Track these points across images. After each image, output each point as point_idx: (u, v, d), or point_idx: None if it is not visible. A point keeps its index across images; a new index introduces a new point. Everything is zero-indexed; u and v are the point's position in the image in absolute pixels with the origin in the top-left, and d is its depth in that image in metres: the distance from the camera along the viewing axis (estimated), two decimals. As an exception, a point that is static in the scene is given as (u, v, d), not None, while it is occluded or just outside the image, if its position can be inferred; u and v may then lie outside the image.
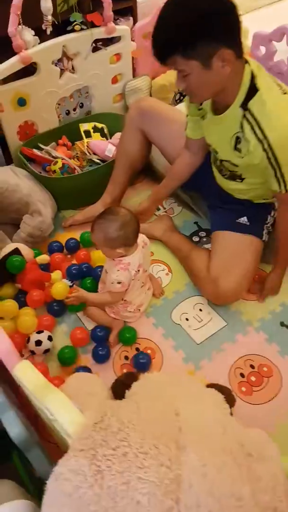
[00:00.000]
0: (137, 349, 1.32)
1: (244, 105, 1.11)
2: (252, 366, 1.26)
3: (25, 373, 0.72)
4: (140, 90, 2.00)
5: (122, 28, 1.79)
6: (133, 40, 1.86)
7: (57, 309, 1.39)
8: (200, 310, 1.41)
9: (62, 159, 1.71)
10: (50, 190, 1.66)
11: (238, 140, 1.17)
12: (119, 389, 0.84)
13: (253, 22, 1.88)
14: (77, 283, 1.43)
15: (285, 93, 1.09)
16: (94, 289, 1.41)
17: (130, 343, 1.32)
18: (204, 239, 1.62)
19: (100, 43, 1.77)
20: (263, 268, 1.47)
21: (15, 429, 0.80)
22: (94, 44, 1.74)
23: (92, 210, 1.67)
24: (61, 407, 0.64)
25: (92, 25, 1.70)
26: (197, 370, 1.26)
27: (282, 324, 1.37)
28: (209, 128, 1.29)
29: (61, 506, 0.57)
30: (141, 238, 1.30)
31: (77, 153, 1.83)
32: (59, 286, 1.34)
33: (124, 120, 1.77)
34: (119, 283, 1.22)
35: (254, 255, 1.36)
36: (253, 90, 1.09)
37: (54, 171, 1.69)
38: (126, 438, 0.59)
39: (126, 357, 1.30)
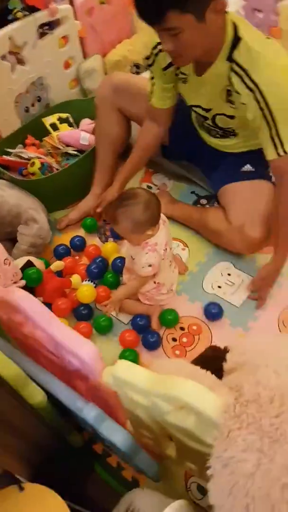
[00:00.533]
0: (181, 328, 1.27)
1: (230, 58, 1.05)
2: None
3: (131, 371, 0.64)
4: (94, 71, 1.89)
5: (65, 7, 1.67)
6: (76, 20, 1.75)
7: (85, 313, 1.31)
8: (229, 274, 1.37)
9: (38, 158, 1.59)
10: (35, 194, 1.54)
11: (229, 92, 1.11)
12: (212, 365, 0.79)
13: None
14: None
15: (268, 37, 1.04)
16: (116, 282, 1.35)
17: (174, 324, 1.27)
18: (207, 206, 1.58)
19: (47, 27, 1.64)
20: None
21: (119, 436, 0.73)
22: (40, 30, 1.61)
23: (84, 205, 1.59)
24: (194, 394, 0.57)
25: (33, 10, 1.57)
26: (246, 332, 1.23)
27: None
28: (194, 91, 1.22)
29: (244, 489, 0.53)
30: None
31: (48, 150, 1.72)
32: (85, 289, 1.26)
33: (88, 104, 1.69)
34: (149, 266, 1.15)
35: (270, 198, 1.30)
36: (237, 39, 1.03)
37: (33, 173, 1.57)
38: (283, 403, 0.55)
39: (174, 339, 1.25)
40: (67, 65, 1.82)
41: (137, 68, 1.97)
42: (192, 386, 0.58)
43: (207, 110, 1.24)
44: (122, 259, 1.36)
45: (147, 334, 1.23)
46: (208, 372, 0.70)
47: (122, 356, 1.19)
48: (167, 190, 1.65)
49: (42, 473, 0.77)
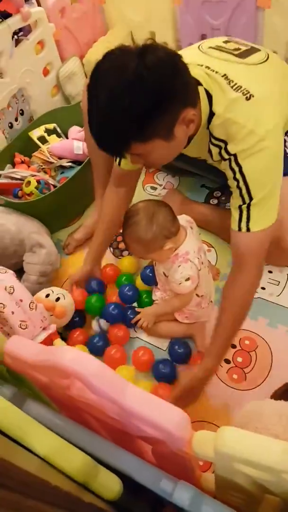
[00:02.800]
0: (232, 345, 1.06)
1: (208, 127, 0.90)
2: None
3: (249, 445, 0.44)
4: (74, 74, 1.69)
5: (37, 10, 1.47)
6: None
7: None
8: (270, 272, 1.18)
9: (32, 176, 1.38)
10: (35, 216, 1.33)
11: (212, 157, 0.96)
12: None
13: None
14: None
15: (249, 97, 0.85)
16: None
17: None
18: (223, 198, 1.39)
19: (21, 33, 1.44)
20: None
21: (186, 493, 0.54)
22: (15, 37, 1.40)
23: (90, 221, 1.38)
24: None
25: (5, 16, 1.36)
26: None
27: None
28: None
29: None
30: (184, 218, 1.05)
31: (40, 165, 1.51)
32: None
33: (74, 110, 1.52)
34: (187, 279, 0.96)
35: None
36: (211, 114, 0.88)
37: (31, 193, 1.35)
38: None
39: (227, 360, 1.04)
40: (46, 72, 1.62)
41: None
42: None
43: (196, 157, 1.07)
44: (151, 267, 1.14)
45: (174, 343, 1.06)
46: None
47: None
48: (175, 188, 1.45)
49: None
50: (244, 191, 0.85)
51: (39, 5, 1.65)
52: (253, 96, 0.85)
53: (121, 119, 0.74)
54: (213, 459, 0.52)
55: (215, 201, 1.39)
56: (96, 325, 1.13)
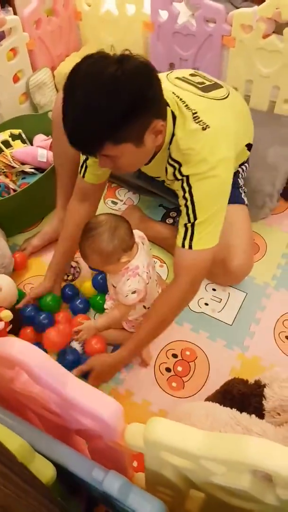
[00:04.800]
0: (174, 355, 1.13)
1: (168, 148, 0.98)
2: (293, 325, 1.18)
3: (174, 433, 0.50)
4: (44, 84, 1.74)
5: (13, 18, 1.51)
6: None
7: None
8: (214, 289, 1.27)
9: (-8, 179, 1.40)
10: (-8, 218, 1.35)
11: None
12: (244, 403, 0.66)
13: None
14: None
15: (205, 128, 0.95)
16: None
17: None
18: (178, 219, 1.47)
19: (-7, 38, 1.47)
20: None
21: (149, 505, 0.58)
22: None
23: (49, 229, 1.40)
24: (264, 455, 0.44)
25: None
26: (246, 352, 1.13)
27: (294, 274, 1.30)
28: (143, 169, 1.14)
29: None
30: (136, 233, 1.10)
31: (1, 169, 1.52)
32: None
33: (41, 119, 1.58)
34: (133, 292, 1.01)
35: (246, 222, 1.24)
36: (173, 135, 0.96)
37: (-11, 195, 1.37)
38: None
39: (168, 369, 1.11)
40: (16, 79, 1.65)
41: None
42: (262, 446, 0.45)
43: (157, 177, 1.16)
44: (103, 274, 1.20)
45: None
46: (253, 416, 0.58)
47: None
48: (135, 204, 1.52)
49: None
50: (190, 210, 0.94)
51: (15, 13, 1.70)
52: (209, 127, 0.95)
53: (98, 119, 0.78)
54: (143, 449, 0.57)
55: (171, 221, 1.47)
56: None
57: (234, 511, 0.69)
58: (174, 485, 0.67)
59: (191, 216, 0.94)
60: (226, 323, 1.19)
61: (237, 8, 1.55)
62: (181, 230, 0.96)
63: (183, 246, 0.96)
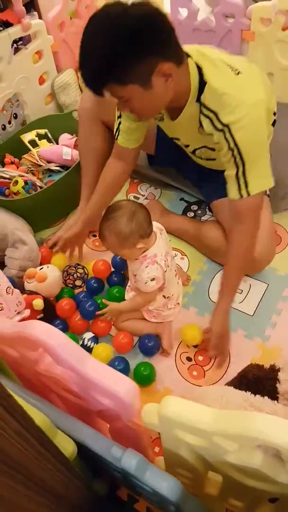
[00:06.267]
0: (194, 345, 1.14)
1: (199, 100, 0.98)
2: None
3: (186, 410, 0.51)
4: (69, 85, 1.78)
5: (37, 22, 1.56)
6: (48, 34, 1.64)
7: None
8: (235, 281, 1.26)
9: (20, 176, 1.45)
10: (20, 214, 1.40)
11: (204, 130, 1.03)
12: (259, 387, 0.67)
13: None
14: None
15: (238, 73, 0.95)
16: (123, 296, 1.21)
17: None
18: (199, 212, 1.48)
19: (20, 42, 1.52)
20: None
21: (168, 484, 0.60)
22: (15, 45, 1.49)
23: (73, 221, 1.44)
24: (273, 430, 0.45)
25: (6, 25, 1.45)
26: (267, 342, 1.12)
27: None
28: (171, 130, 1.16)
29: None
30: (155, 224, 1.12)
31: (29, 167, 1.58)
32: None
33: (66, 118, 1.63)
34: (152, 280, 1.03)
35: (267, 211, 1.23)
36: (203, 83, 0.96)
37: (17, 192, 1.42)
38: None
39: (189, 358, 1.12)
40: (41, 81, 1.70)
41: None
42: (270, 421, 0.46)
43: (186, 146, 1.18)
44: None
45: (144, 338, 1.13)
46: (266, 398, 0.58)
47: (137, 370, 1.06)
48: (156, 199, 1.54)
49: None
50: (238, 158, 0.94)
51: (40, 17, 1.75)
52: (241, 73, 0.95)
53: (98, 57, 0.83)
54: (158, 427, 0.59)
55: (192, 214, 1.48)
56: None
57: (252, 494, 0.70)
58: (192, 466, 0.69)
59: (240, 164, 0.95)
60: (247, 314, 1.19)
61: (256, 2, 1.53)
62: (233, 182, 0.97)
63: (241, 196, 0.97)
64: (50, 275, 1.21)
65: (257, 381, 0.69)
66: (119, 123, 1.15)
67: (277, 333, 1.13)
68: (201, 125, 1.01)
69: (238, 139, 0.93)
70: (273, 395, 0.61)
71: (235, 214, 1.02)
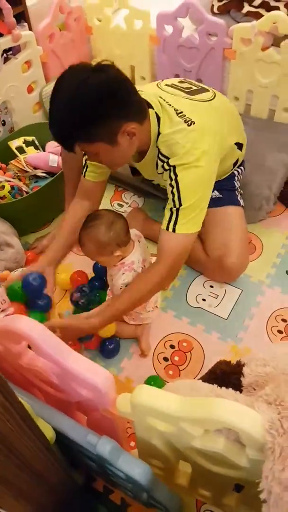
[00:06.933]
0: (171, 346, 1.20)
1: (156, 145, 1.07)
2: (284, 320, 1.23)
3: (156, 397, 0.57)
4: (57, 95, 1.83)
5: (27, 33, 1.61)
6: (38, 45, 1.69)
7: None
8: (211, 286, 1.33)
9: (7, 181, 1.49)
10: (6, 218, 1.44)
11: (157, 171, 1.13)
12: (225, 381, 0.72)
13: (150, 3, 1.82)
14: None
15: (190, 124, 1.04)
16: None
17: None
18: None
19: (10, 52, 1.57)
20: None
21: (139, 469, 0.65)
22: (5, 55, 1.54)
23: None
24: (234, 414, 0.50)
25: (-4, 35, 1.50)
26: (239, 343, 1.19)
27: (287, 272, 1.36)
28: (136, 166, 1.24)
29: None
30: (133, 232, 1.18)
31: (16, 173, 1.62)
32: None
33: None
34: (126, 286, 1.09)
35: (241, 222, 1.31)
36: (159, 133, 1.06)
37: (3, 197, 1.46)
38: None
39: (166, 358, 1.17)
40: (30, 89, 1.75)
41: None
42: (231, 406, 0.51)
43: (151, 180, 1.28)
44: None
45: (105, 339, 1.17)
46: (230, 389, 0.64)
47: (147, 383, 1.10)
48: (139, 207, 1.60)
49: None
50: (176, 196, 1.02)
51: (30, 29, 1.80)
52: (193, 123, 1.04)
53: (66, 121, 0.91)
54: (132, 416, 0.64)
55: (172, 221, 1.54)
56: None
57: (218, 482, 0.75)
58: (163, 455, 0.74)
59: (177, 202, 1.02)
60: (222, 317, 1.25)
61: (238, 22, 1.62)
62: (167, 214, 1.04)
63: (167, 228, 1.03)
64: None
65: (224, 375, 0.75)
66: (86, 159, 1.18)
67: (248, 336, 1.20)
68: (157, 165, 1.10)
69: (179, 179, 1.01)
70: (238, 388, 0.66)
71: (157, 252, 1.07)
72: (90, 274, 1.34)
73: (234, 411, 0.51)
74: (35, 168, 1.62)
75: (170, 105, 1.07)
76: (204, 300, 1.30)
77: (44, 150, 1.70)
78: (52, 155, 1.60)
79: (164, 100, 1.08)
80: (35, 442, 0.52)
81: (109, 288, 1.24)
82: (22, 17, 1.80)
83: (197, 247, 1.30)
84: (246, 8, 1.72)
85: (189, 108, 1.08)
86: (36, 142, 1.69)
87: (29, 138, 1.68)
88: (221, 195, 1.31)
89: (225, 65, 1.71)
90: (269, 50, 1.55)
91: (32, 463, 0.53)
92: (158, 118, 1.05)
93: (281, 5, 1.60)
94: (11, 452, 0.47)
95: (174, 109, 1.06)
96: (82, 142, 0.95)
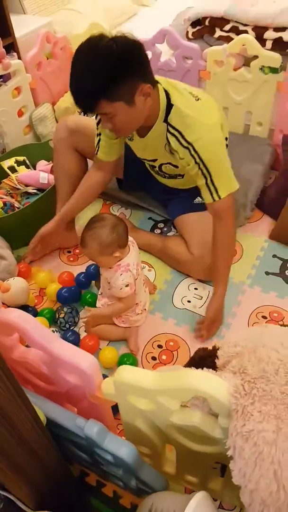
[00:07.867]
0: (159, 346, 1.24)
1: (166, 120, 1.15)
2: (264, 317, 1.28)
3: (135, 374, 0.62)
4: (45, 117, 1.92)
5: (16, 62, 1.71)
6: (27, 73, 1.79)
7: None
8: (196, 288, 1.39)
9: (0, 198, 1.56)
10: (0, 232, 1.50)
11: (170, 147, 1.20)
12: (204, 364, 0.77)
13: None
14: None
15: (197, 99, 1.14)
16: (95, 301, 1.31)
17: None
18: (165, 229, 1.61)
19: (1, 79, 1.66)
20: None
21: (125, 448, 0.69)
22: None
23: (43, 229, 1.48)
24: (203, 380, 0.56)
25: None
26: (222, 340, 1.24)
27: (266, 273, 1.42)
28: (139, 148, 1.32)
29: (269, 457, 0.53)
30: (128, 238, 1.24)
31: (8, 191, 1.68)
32: (107, 352, 1.20)
33: (42, 147, 1.75)
34: (127, 285, 1.14)
35: None
36: (169, 106, 1.14)
37: (-3, 213, 1.53)
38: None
39: (154, 358, 1.22)
40: (20, 113, 1.84)
41: (84, 113, 2.03)
42: (200, 374, 0.57)
43: (154, 161, 1.33)
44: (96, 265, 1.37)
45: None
46: (205, 369, 0.69)
47: (120, 361, 1.18)
48: (127, 218, 1.67)
49: (47, 502, 0.70)
50: (204, 171, 1.11)
51: (19, 58, 1.91)
52: (200, 99, 1.14)
53: (92, 80, 0.98)
54: (115, 397, 0.69)
55: (158, 231, 1.61)
56: None
57: (201, 464, 0.79)
58: (149, 438, 0.78)
59: (207, 174, 1.11)
60: (206, 317, 1.30)
61: (211, 46, 1.72)
62: (205, 189, 1.14)
63: (214, 200, 1.14)
64: (14, 286, 1.29)
65: (201, 360, 0.80)
66: (99, 140, 1.30)
67: (230, 334, 1.25)
68: (168, 142, 1.17)
69: (202, 154, 1.11)
70: (213, 369, 0.72)
71: (214, 215, 1.18)
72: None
73: (202, 379, 0.56)
74: (26, 185, 1.69)
75: (176, 84, 1.16)
76: (189, 301, 1.35)
77: (35, 169, 1.77)
78: (42, 172, 1.67)
79: (171, 81, 1.17)
80: (30, 419, 0.57)
81: (99, 293, 1.30)
82: (11, 47, 1.91)
83: (181, 248, 1.37)
84: (218, 33, 1.83)
85: (193, 90, 1.17)
86: (27, 161, 1.77)
87: (20, 158, 1.75)
88: (203, 202, 1.38)
89: (201, 85, 1.81)
90: (240, 70, 1.65)
91: (28, 440, 0.57)
92: (167, 93, 1.13)
93: (249, 29, 1.71)
94: (8, 424, 0.51)
95: (182, 87, 1.16)
96: (105, 100, 1.01)
